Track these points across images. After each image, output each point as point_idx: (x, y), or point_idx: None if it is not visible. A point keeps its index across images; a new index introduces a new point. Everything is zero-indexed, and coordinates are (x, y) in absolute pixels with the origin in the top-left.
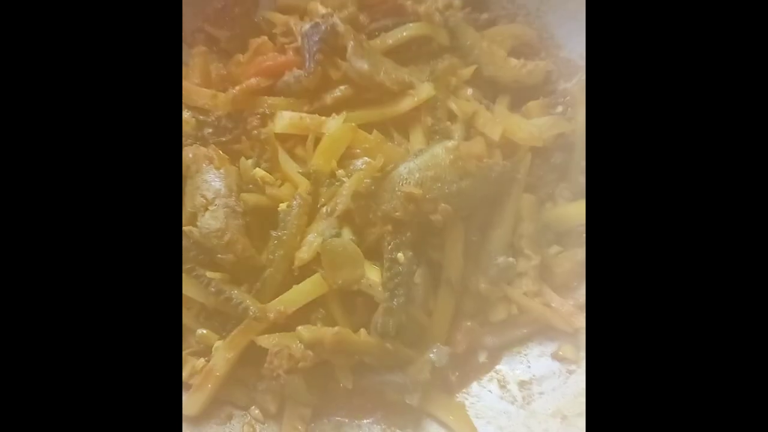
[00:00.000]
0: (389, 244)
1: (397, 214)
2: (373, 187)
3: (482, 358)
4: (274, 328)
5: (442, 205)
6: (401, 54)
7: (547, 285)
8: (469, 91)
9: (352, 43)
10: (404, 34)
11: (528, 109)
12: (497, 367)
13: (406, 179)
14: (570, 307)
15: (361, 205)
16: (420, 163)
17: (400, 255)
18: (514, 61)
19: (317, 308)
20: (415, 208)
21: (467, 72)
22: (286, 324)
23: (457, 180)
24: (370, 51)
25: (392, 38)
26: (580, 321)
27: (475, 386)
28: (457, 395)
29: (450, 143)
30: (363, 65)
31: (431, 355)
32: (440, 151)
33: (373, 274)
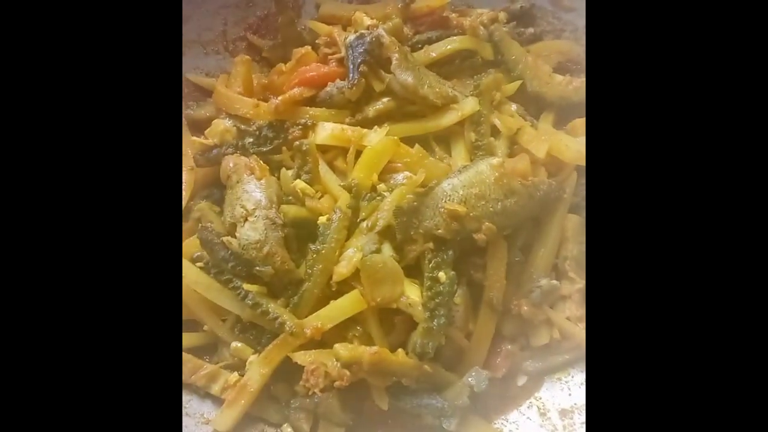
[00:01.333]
0: (430, 263)
1: (439, 231)
2: (415, 203)
3: (522, 383)
4: (310, 344)
5: (486, 224)
6: (444, 67)
7: None
8: (513, 106)
9: (396, 55)
10: (448, 47)
11: (573, 126)
12: (537, 393)
13: (450, 196)
14: None
15: (403, 221)
16: (464, 180)
17: (441, 274)
18: (559, 78)
19: (354, 326)
20: (459, 226)
21: (512, 87)
22: (321, 341)
23: (503, 198)
24: (414, 64)
25: (436, 51)
26: None
27: (514, 413)
28: (495, 422)
29: (495, 160)
30: (407, 78)
31: (470, 378)
32: (485, 167)
33: (412, 293)
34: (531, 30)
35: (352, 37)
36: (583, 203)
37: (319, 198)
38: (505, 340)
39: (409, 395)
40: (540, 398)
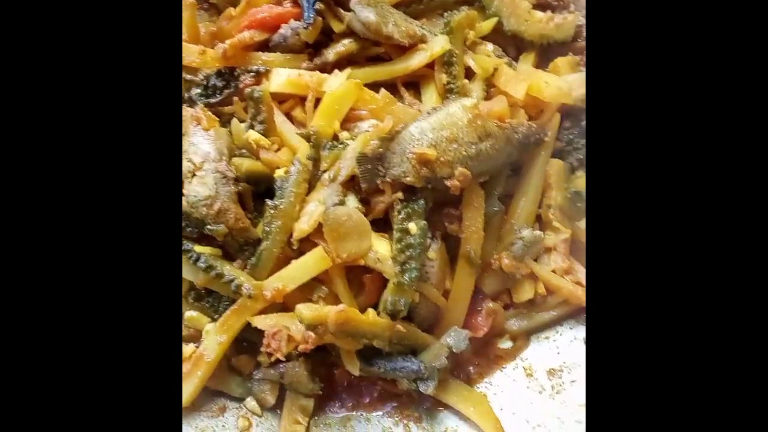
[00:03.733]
0: (399, 213)
1: (408, 179)
2: (380, 149)
3: (506, 344)
4: (272, 308)
5: (460, 168)
6: (412, 6)
7: (578, 262)
8: (489, 46)
9: None
10: None
11: (555, 65)
12: (523, 354)
13: (419, 140)
14: None
15: (367, 168)
16: (434, 122)
17: (411, 225)
18: (539, 14)
19: (319, 286)
20: (429, 172)
21: (487, 25)
22: (284, 304)
23: (477, 141)
24: (377, 0)
25: None
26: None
27: (498, 375)
28: (478, 385)
29: (468, 101)
30: (369, 15)
31: (448, 339)
32: (457, 109)
33: (382, 247)
34: None
35: None
36: (569, 148)
37: (276, 150)
38: (486, 297)
39: (383, 359)
40: (526, 358)
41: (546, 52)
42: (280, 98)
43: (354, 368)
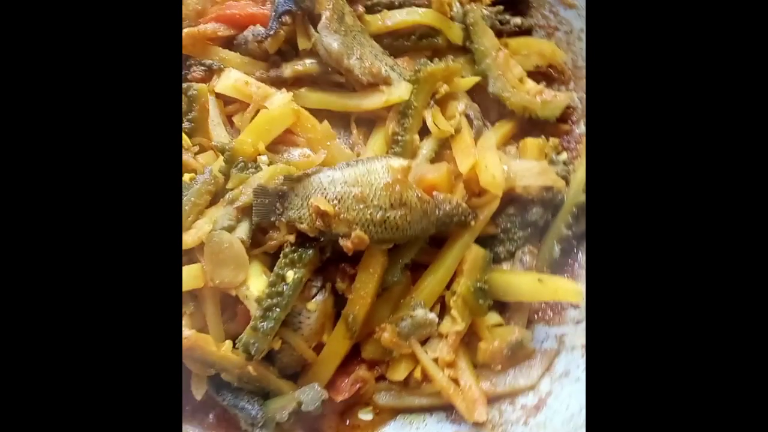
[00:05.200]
0: (285, 257)
1: (302, 226)
2: (284, 187)
3: (367, 415)
4: None
5: (357, 231)
6: (400, 40)
7: (466, 358)
8: (461, 106)
9: (327, 12)
10: (407, 17)
11: (524, 145)
12: (382, 430)
13: (325, 189)
14: (478, 394)
15: (263, 203)
16: (348, 176)
17: (289, 273)
18: (530, 85)
19: (189, 301)
20: (324, 226)
21: (465, 83)
22: None
23: (387, 208)
24: (349, 28)
25: (392, 20)
26: (482, 414)
27: None
28: None
29: (397, 162)
30: (332, 43)
31: (302, 395)
32: (380, 167)
33: (256, 285)
34: (518, 20)
35: None
36: (502, 237)
37: (195, 153)
38: (362, 362)
39: (231, 392)
40: None
41: (525, 126)
42: (229, 100)
43: (197, 392)
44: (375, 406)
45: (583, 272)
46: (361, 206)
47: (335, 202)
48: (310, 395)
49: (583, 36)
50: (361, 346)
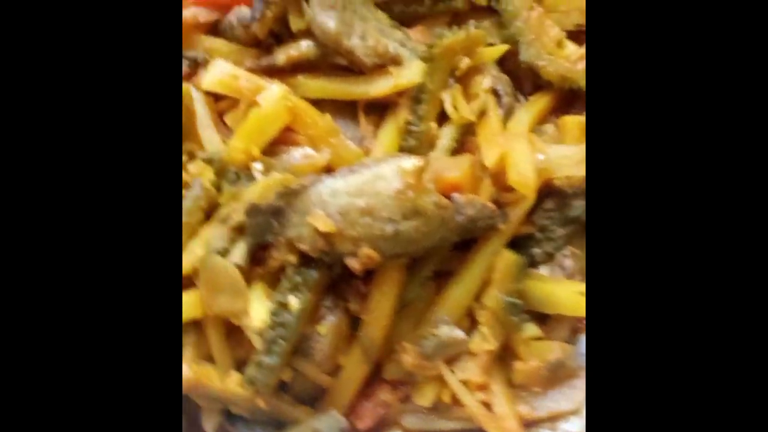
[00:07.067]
0: (286, 280)
1: (303, 246)
2: (279, 204)
3: None
4: None
5: (365, 249)
6: (412, 6)
7: (500, 379)
8: (486, 81)
9: None
10: None
11: (564, 124)
12: None
13: (325, 203)
14: (513, 420)
15: (258, 222)
16: (352, 185)
17: (292, 299)
18: (570, 49)
19: (192, 331)
20: (326, 245)
21: (490, 53)
22: None
23: (399, 219)
24: (348, 1)
25: None
26: None
27: None
28: None
29: (409, 162)
30: (328, 21)
31: (318, 424)
32: (389, 171)
33: (258, 312)
34: None
35: None
36: (538, 237)
37: (185, 162)
38: (384, 385)
39: (244, 423)
40: None
41: (565, 98)
42: (220, 95)
43: (209, 426)
44: (403, 429)
45: None
46: (368, 220)
47: (338, 217)
48: (329, 425)
49: None
50: (382, 365)
